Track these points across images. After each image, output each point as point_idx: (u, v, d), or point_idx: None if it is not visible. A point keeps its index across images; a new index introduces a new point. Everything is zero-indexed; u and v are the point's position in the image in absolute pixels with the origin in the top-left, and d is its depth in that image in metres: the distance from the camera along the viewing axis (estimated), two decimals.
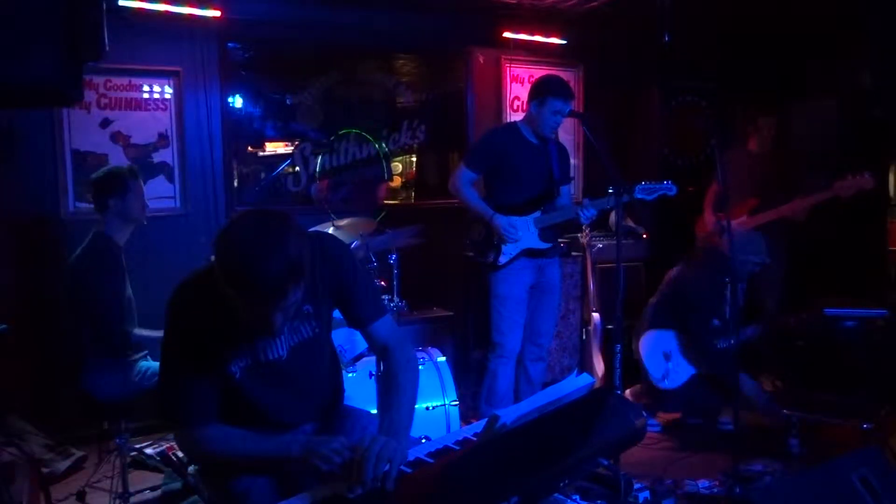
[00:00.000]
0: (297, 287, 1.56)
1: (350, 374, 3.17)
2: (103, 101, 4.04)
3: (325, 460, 1.60)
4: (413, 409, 1.83)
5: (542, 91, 3.47)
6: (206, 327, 1.68)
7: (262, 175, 4.69)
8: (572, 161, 5.57)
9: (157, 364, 2.95)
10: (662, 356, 3.82)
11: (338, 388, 2.11)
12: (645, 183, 3.37)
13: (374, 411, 2.66)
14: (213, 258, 1.58)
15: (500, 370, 3.60)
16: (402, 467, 1.60)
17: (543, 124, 3.49)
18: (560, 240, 3.82)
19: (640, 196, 3.36)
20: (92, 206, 2.98)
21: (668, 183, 3.42)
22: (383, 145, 4.91)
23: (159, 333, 2.90)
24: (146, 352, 3.01)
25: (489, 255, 3.52)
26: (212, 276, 1.59)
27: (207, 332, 1.68)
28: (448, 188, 3.67)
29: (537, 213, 3.53)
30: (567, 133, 5.55)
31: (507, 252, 3.50)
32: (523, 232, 3.49)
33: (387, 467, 1.53)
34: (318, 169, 4.71)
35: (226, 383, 1.75)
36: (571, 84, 5.51)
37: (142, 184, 3.03)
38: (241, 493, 1.72)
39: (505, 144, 3.55)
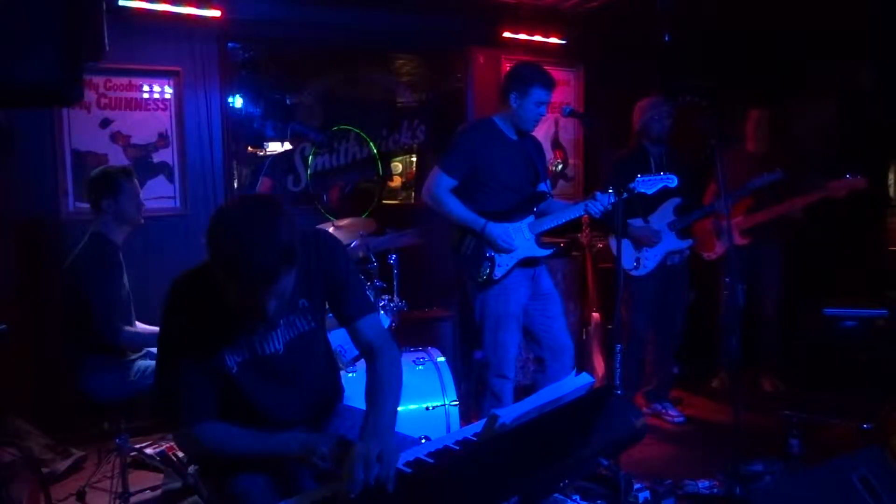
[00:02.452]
0: (289, 272, 1.57)
1: (350, 374, 3.17)
2: (103, 101, 4.04)
3: (324, 459, 1.61)
4: (397, 409, 1.83)
5: (523, 81, 3.16)
6: (203, 322, 1.70)
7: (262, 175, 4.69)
8: (571, 161, 5.60)
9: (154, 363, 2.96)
10: (632, 247, 3.91)
11: (335, 386, 2.11)
12: (642, 177, 3.19)
13: None
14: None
15: (503, 392, 3.32)
16: (401, 467, 1.60)
17: (526, 118, 3.19)
18: (560, 240, 3.75)
19: (641, 190, 3.17)
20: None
21: (666, 175, 3.25)
22: (372, 146, 4.90)
23: (152, 329, 2.95)
24: (145, 351, 3.01)
25: (483, 269, 3.19)
26: (206, 271, 1.62)
27: (204, 326, 1.70)
28: (423, 197, 3.25)
29: (530, 218, 3.25)
30: (567, 133, 5.56)
31: (503, 264, 3.18)
32: (519, 240, 3.19)
33: (377, 470, 1.51)
34: (313, 170, 4.71)
35: (224, 379, 1.76)
36: (571, 84, 5.53)
37: (137, 184, 2.99)
38: (241, 493, 1.72)
39: (485, 143, 3.20)
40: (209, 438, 1.71)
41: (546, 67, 3.35)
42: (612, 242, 4.03)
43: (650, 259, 3.93)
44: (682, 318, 4.16)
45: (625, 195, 3.06)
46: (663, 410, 4.16)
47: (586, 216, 3.26)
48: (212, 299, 1.65)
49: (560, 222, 3.26)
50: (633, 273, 3.93)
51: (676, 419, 4.10)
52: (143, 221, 3.04)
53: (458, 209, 3.17)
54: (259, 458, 1.72)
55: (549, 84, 3.19)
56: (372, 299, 2.97)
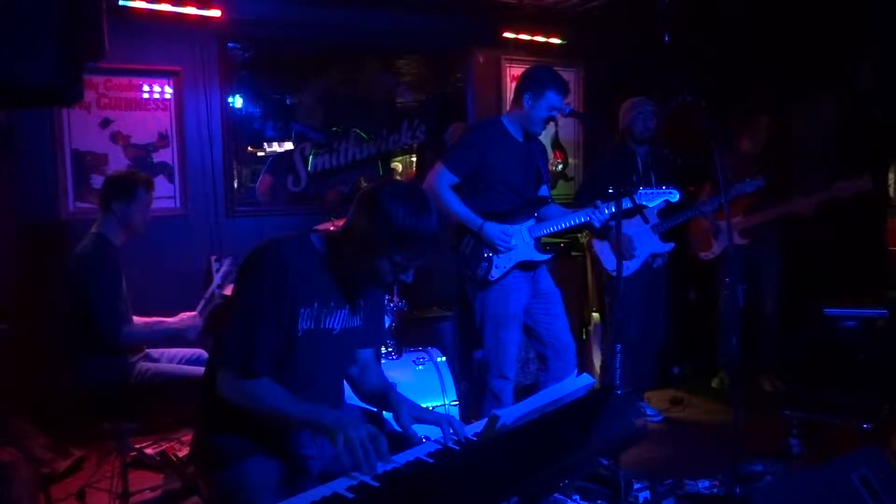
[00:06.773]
0: None
1: None
2: (103, 100, 4.04)
3: (349, 443, 1.63)
4: None
5: (539, 83, 3.13)
6: (292, 280, 1.80)
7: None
8: (571, 161, 5.61)
9: (155, 365, 2.96)
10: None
11: (342, 393, 2.16)
12: (645, 188, 3.20)
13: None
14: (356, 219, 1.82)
15: (503, 393, 3.29)
16: (402, 467, 1.61)
17: (537, 120, 3.17)
18: (561, 241, 3.75)
19: (642, 202, 3.15)
20: (92, 205, 2.99)
21: (669, 188, 3.25)
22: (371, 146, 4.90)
23: (150, 321, 2.95)
24: (145, 353, 3.01)
25: (479, 269, 3.16)
26: (303, 240, 1.87)
27: (292, 284, 1.80)
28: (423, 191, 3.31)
29: (531, 221, 3.23)
30: (567, 133, 5.56)
31: (501, 265, 3.16)
32: (518, 242, 3.17)
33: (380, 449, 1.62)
34: (313, 170, 4.70)
35: (285, 343, 1.82)
36: (571, 84, 5.53)
37: (152, 197, 3.04)
38: (251, 475, 1.77)
39: (491, 143, 3.17)
40: (260, 394, 1.76)
41: None
42: (595, 244, 4.08)
43: (633, 261, 3.95)
44: (664, 320, 4.14)
45: (627, 204, 3.03)
46: (640, 409, 4.19)
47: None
48: (303, 261, 1.82)
49: (561, 228, 3.25)
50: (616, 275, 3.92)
51: (654, 418, 4.13)
52: (142, 234, 3.05)
53: (457, 206, 3.15)
54: (287, 419, 1.77)
55: (564, 90, 3.18)
56: None
